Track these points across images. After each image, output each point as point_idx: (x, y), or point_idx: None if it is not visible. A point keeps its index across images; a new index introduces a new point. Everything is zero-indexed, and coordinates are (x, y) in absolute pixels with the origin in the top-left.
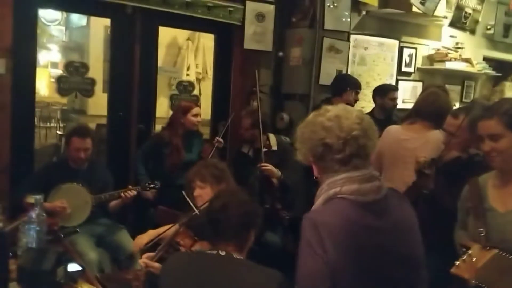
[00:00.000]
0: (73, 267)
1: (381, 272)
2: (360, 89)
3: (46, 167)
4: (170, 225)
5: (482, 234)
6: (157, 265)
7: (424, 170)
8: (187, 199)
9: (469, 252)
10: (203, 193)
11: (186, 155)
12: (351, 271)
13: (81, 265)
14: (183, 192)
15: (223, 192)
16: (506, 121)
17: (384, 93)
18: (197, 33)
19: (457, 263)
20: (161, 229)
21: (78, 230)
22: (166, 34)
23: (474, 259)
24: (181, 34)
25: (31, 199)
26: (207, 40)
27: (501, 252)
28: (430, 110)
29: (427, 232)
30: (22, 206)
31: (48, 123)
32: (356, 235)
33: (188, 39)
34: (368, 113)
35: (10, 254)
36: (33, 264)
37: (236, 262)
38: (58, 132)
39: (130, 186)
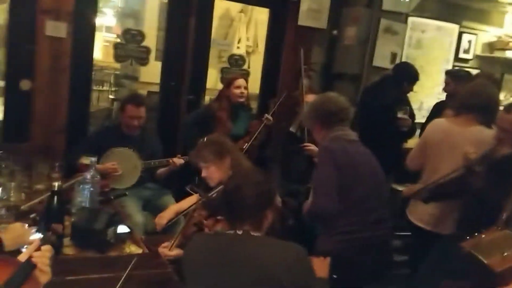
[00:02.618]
0: (122, 228)
1: (362, 177)
2: (417, 79)
3: (100, 131)
4: (189, 201)
5: (503, 217)
6: (173, 253)
7: (473, 167)
8: (193, 193)
9: (483, 231)
10: (209, 173)
11: (233, 129)
12: (347, 176)
13: (129, 227)
14: (186, 188)
15: (238, 172)
16: None
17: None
18: (250, 6)
19: (468, 238)
20: (182, 205)
21: (127, 193)
22: (219, 6)
23: (483, 236)
24: (234, 6)
25: (86, 160)
26: (260, 13)
27: (510, 232)
28: (474, 103)
29: (471, 227)
30: (76, 166)
31: (101, 87)
32: (349, 154)
33: (241, 11)
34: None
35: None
36: (86, 222)
37: (253, 239)
38: (110, 96)
39: (178, 155)
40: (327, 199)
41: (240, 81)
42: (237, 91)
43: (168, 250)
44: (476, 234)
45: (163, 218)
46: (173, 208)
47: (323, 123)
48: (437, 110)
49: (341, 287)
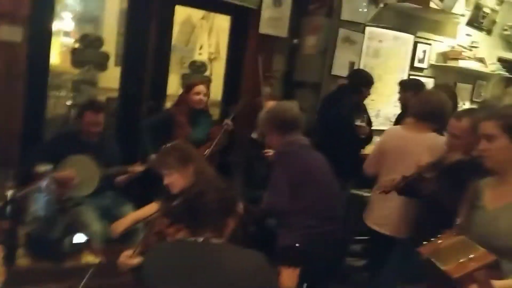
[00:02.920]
0: (79, 238)
1: (315, 178)
2: (373, 83)
3: (57, 137)
4: (148, 209)
5: (457, 223)
6: (135, 261)
7: (424, 174)
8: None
9: (439, 236)
10: (172, 180)
11: (192, 134)
12: (302, 178)
13: (86, 236)
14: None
15: (200, 179)
16: (502, 124)
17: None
18: (212, 13)
19: (424, 243)
20: (141, 213)
21: (84, 201)
22: (181, 12)
23: (439, 241)
24: (196, 13)
25: (41, 168)
26: (221, 21)
27: (466, 238)
28: (424, 111)
29: (425, 231)
30: (31, 174)
31: (58, 93)
32: (301, 157)
33: (203, 18)
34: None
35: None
36: (41, 232)
37: (215, 247)
38: (68, 102)
39: (139, 163)
40: (279, 199)
41: (200, 87)
42: (197, 97)
43: (130, 258)
44: (432, 238)
45: (120, 225)
46: (131, 216)
47: (280, 130)
48: (398, 119)
49: (301, 281)
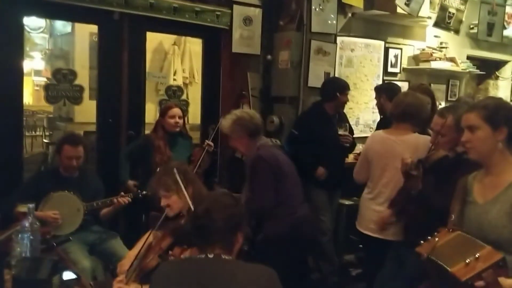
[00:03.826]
0: (68, 275)
1: (287, 172)
2: (349, 89)
3: (36, 176)
4: (144, 240)
5: (451, 219)
6: (132, 286)
7: (410, 171)
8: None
9: (435, 234)
10: (170, 202)
11: (173, 157)
12: (278, 174)
13: (75, 273)
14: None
15: (206, 196)
16: (484, 114)
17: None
18: (183, 37)
19: (422, 242)
20: (138, 246)
21: (71, 238)
22: (152, 39)
23: (436, 239)
24: (167, 39)
25: (23, 208)
26: (193, 45)
27: (463, 234)
28: (400, 112)
29: (417, 231)
30: (13, 216)
31: (34, 132)
32: (275, 157)
33: (174, 44)
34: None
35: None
36: (28, 273)
37: (225, 262)
38: (45, 141)
39: (122, 193)
40: (268, 199)
41: (175, 111)
42: (172, 120)
43: (124, 285)
44: (428, 237)
45: (124, 265)
46: (131, 253)
47: (251, 135)
48: (379, 124)
49: (292, 262)
